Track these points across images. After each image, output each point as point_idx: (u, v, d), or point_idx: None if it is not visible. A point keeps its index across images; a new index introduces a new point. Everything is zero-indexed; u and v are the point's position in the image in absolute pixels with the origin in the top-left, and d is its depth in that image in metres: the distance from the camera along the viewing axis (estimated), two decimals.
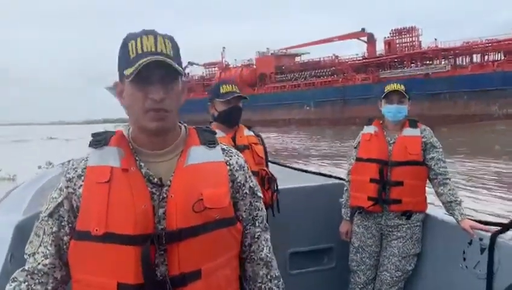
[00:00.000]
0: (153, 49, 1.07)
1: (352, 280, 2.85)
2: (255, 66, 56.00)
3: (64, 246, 1.14)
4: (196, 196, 1.11)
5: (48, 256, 1.13)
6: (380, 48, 47.66)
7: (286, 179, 2.97)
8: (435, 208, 2.75)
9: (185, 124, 1.25)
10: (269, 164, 2.66)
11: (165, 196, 1.11)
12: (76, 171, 1.15)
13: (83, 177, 1.13)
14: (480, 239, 2.29)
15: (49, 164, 6.99)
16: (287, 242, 2.90)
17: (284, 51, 55.89)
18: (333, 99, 42.08)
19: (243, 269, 1.27)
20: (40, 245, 1.14)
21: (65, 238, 1.14)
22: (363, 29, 49.38)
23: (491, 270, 2.20)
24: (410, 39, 46.08)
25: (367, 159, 2.68)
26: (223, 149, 1.23)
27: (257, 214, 1.27)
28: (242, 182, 1.23)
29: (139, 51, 1.07)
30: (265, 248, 1.27)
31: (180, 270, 1.09)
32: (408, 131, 2.66)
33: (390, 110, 2.64)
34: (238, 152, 1.29)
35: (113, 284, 1.07)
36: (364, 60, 46.92)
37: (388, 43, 46.26)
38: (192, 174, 1.14)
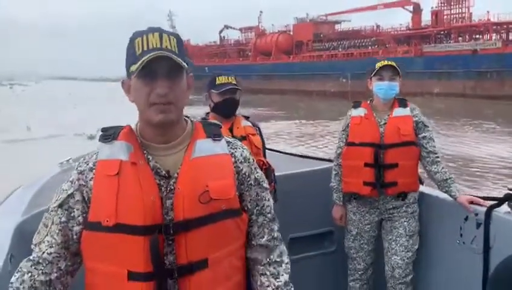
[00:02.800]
0: (158, 45, 1.12)
1: (350, 267, 2.83)
2: (292, 33, 54.11)
3: (75, 237, 1.18)
4: (202, 187, 1.15)
5: (53, 245, 1.16)
6: (427, 18, 44.93)
7: (283, 165, 3.02)
8: (428, 186, 2.76)
9: (192, 119, 1.28)
10: (266, 151, 2.67)
11: (172, 187, 1.16)
12: (87, 164, 1.20)
13: (94, 170, 1.18)
14: (476, 214, 2.30)
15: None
16: (287, 228, 2.84)
17: (324, 17, 53.60)
18: None
19: (247, 256, 1.30)
20: (47, 235, 1.17)
21: (75, 228, 1.17)
22: None
23: (487, 244, 2.22)
24: (460, 10, 43.10)
25: (359, 143, 2.60)
26: (228, 142, 1.27)
27: (264, 204, 1.30)
28: (247, 174, 1.26)
29: (145, 48, 1.11)
30: (266, 235, 1.29)
31: (187, 259, 1.14)
32: (399, 111, 2.59)
33: (382, 87, 2.54)
34: (243, 145, 1.32)
35: (123, 272, 1.12)
36: (407, 31, 44.47)
37: (435, 14, 43.51)
38: (199, 166, 1.18)
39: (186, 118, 1.26)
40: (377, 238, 2.76)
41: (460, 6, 43.12)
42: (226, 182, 1.19)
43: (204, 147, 1.21)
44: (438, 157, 2.57)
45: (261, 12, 60.68)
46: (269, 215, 1.31)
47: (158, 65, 1.11)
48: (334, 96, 41.90)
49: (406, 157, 2.54)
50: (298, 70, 47.08)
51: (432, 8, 44.34)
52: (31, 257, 1.17)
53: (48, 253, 1.16)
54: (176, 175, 1.16)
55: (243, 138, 2.41)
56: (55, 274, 1.16)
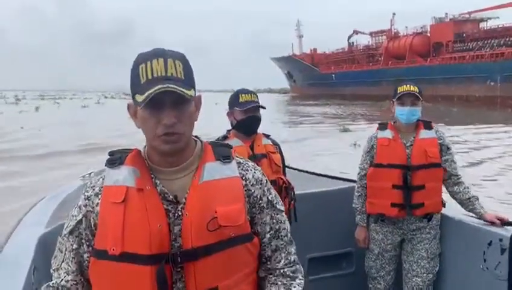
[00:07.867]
0: (163, 74, 1.07)
1: (371, 286, 2.83)
2: (428, 34, 49.86)
3: (85, 263, 1.17)
4: (210, 214, 1.10)
5: (69, 273, 1.17)
6: None
7: (303, 184, 2.99)
8: (451, 209, 2.72)
9: (201, 139, 1.24)
10: (286, 169, 2.61)
11: (180, 213, 1.12)
12: (94, 189, 1.17)
13: (100, 196, 1.15)
14: (500, 240, 2.24)
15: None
16: (305, 248, 2.76)
17: (467, 15, 48.32)
18: None
19: (263, 282, 1.25)
20: (63, 261, 1.18)
21: (85, 255, 1.16)
22: None
23: None
24: None
25: (387, 164, 2.63)
26: (239, 163, 1.22)
27: (279, 227, 1.25)
28: (259, 197, 1.21)
29: (149, 76, 1.07)
30: (283, 259, 1.24)
31: (196, 288, 1.10)
32: (424, 133, 2.65)
33: (403, 113, 2.61)
34: (255, 165, 1.27)
35: None
36: None
37: None
38: (207, 191, 1.14)
39: (195, 139, 1.21)
40: (397, 258, 2.78)
41: None
42: (235, 207, 1.13)
43: (213, 170, 1.16)
44: (459, 178, 2.65)
45: (393, 14, 57.28)
46: (285, 238, 1.25)
47: (164, 96, 1.05)
48: (478, 102, 37.20)
49: (432, 178, 2.59)
50: (437, 73, 42.93)
51: None
52: (50, 283, 1.17)
53: (65, 280, 1.16)
54: (183, 200, 1.13)
55: (263, 156, 2.42)
56: None
